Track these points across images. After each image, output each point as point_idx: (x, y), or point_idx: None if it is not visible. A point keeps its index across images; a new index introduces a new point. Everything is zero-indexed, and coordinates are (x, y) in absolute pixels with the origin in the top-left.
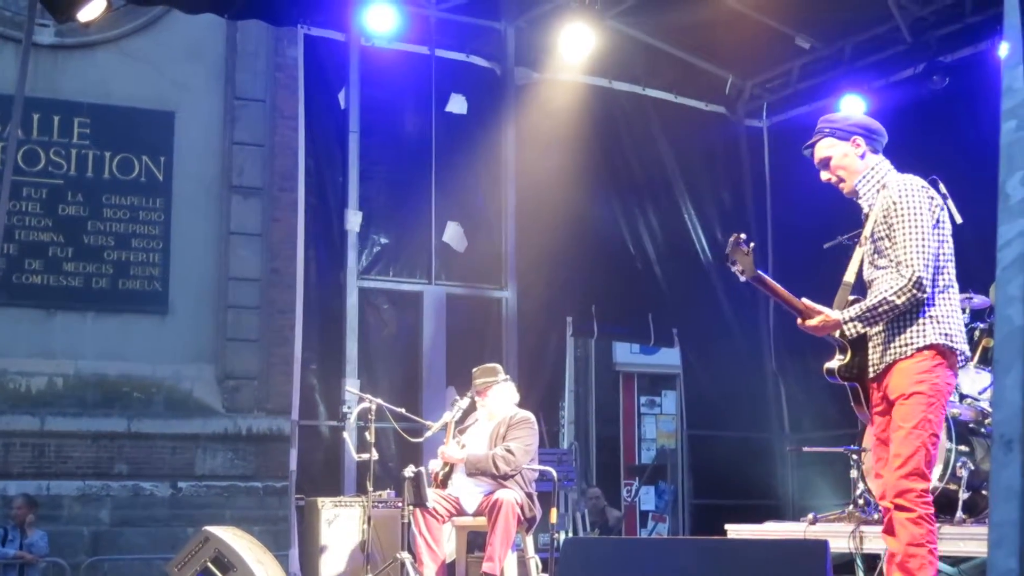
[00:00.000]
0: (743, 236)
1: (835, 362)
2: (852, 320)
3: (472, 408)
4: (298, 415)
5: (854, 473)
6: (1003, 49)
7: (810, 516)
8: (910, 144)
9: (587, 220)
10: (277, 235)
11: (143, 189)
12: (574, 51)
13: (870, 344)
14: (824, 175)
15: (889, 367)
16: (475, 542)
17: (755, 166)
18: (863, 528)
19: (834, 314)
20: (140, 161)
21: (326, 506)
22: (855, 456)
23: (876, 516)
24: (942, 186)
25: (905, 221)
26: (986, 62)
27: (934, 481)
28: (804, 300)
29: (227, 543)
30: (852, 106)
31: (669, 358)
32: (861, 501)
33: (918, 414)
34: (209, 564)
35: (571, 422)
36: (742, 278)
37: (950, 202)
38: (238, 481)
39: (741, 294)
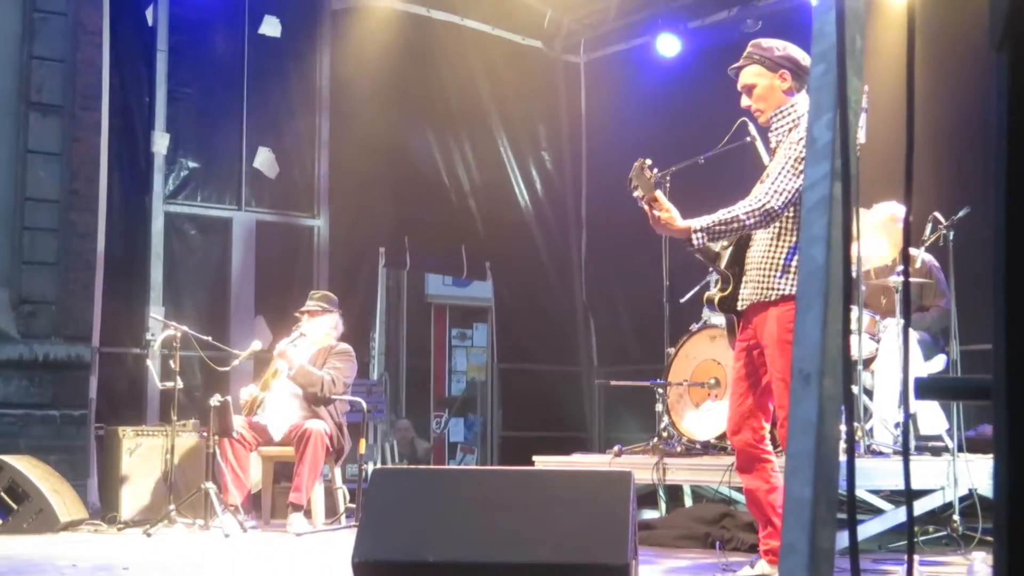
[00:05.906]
0: (648, 161)
1: (715, 293)
2: (701, 231)
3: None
4: (99, 342)
5: (659, 407)
6: None
7: (616, 448)
8: (722, 86)
9: (402, 150)
10: (78, 155)
11: None
12: None
13: (743, 279)
14: (744, 100)
15: (756, 308)
16: (282, 472)
17: (571, 101)
18: (666, 460)
19: (683, 222)
20: None
21: (127, 435)
22: (661, 390)
23: (679, 449)
24: (751, 127)
25: (793, 159)
26: (799, 7)
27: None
28: (659, 194)
29: (22, 472)
30: (666, 47)
31: (481, 291)
32: (665, 434)
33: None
34: (2, 494)
35: (382, 353)
36: (641, 202)
37: (758, 143)
38: (34, 409)
39: (552, 228)
